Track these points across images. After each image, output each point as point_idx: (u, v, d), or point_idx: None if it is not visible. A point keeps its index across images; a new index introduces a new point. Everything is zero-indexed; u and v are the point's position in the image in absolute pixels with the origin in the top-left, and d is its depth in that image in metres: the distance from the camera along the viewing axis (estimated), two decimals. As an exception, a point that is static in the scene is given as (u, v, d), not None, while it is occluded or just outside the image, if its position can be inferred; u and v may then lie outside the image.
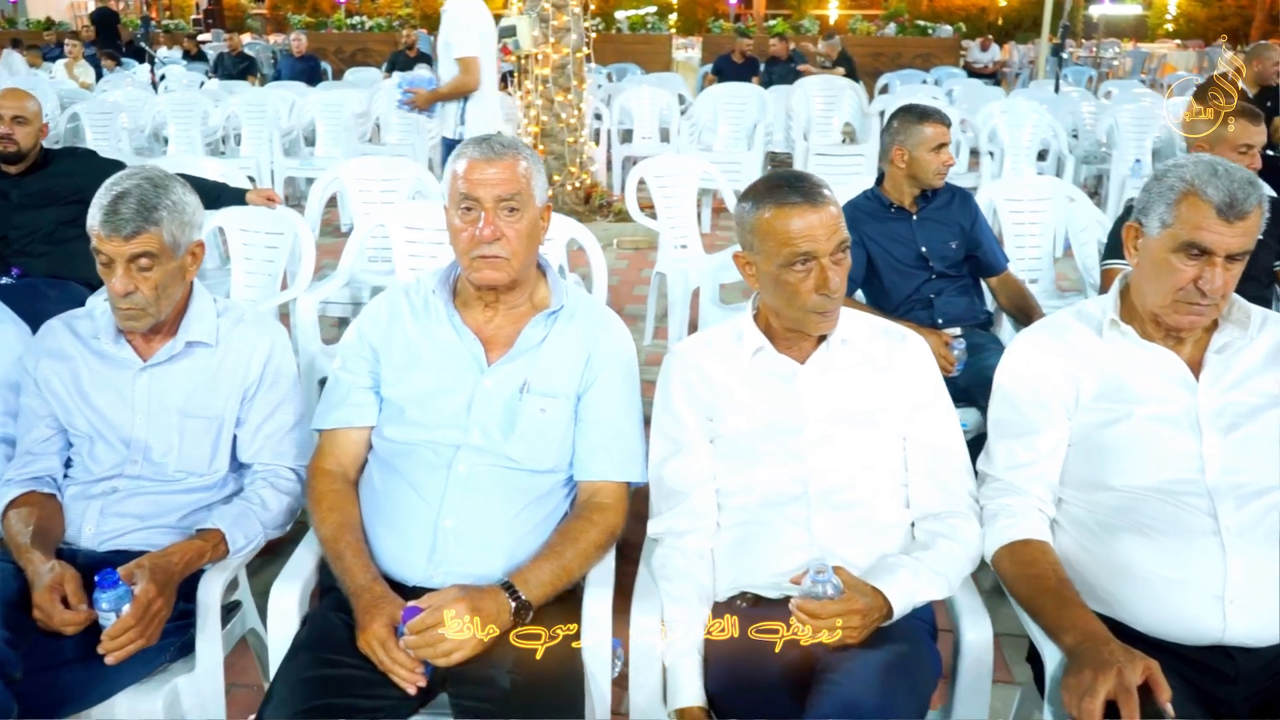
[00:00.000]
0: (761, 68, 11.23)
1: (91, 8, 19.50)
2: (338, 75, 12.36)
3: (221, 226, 3.76)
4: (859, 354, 1.85)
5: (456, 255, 1.88)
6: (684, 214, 4.85)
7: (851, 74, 10.09)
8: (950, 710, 1.75)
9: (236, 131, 8.10)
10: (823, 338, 1.84)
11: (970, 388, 2.80)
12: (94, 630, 1.71)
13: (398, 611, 1.65)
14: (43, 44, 14.86)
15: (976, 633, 1.70)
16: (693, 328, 4.44)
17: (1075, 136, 7.84)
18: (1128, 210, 3.02)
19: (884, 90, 11.05)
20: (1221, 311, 1.72)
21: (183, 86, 10.27)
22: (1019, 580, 1.70)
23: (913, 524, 1.82)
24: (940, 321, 3.09)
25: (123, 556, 1.86)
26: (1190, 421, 1.68)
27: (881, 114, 8.28)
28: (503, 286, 1.87)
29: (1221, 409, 1.68)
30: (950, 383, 1.94)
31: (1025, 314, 3.16)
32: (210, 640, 1.83)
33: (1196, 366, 1.73)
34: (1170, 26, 25.43)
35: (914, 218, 3.19)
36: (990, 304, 3.39)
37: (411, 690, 1.63)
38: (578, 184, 7.00)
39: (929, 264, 3.15)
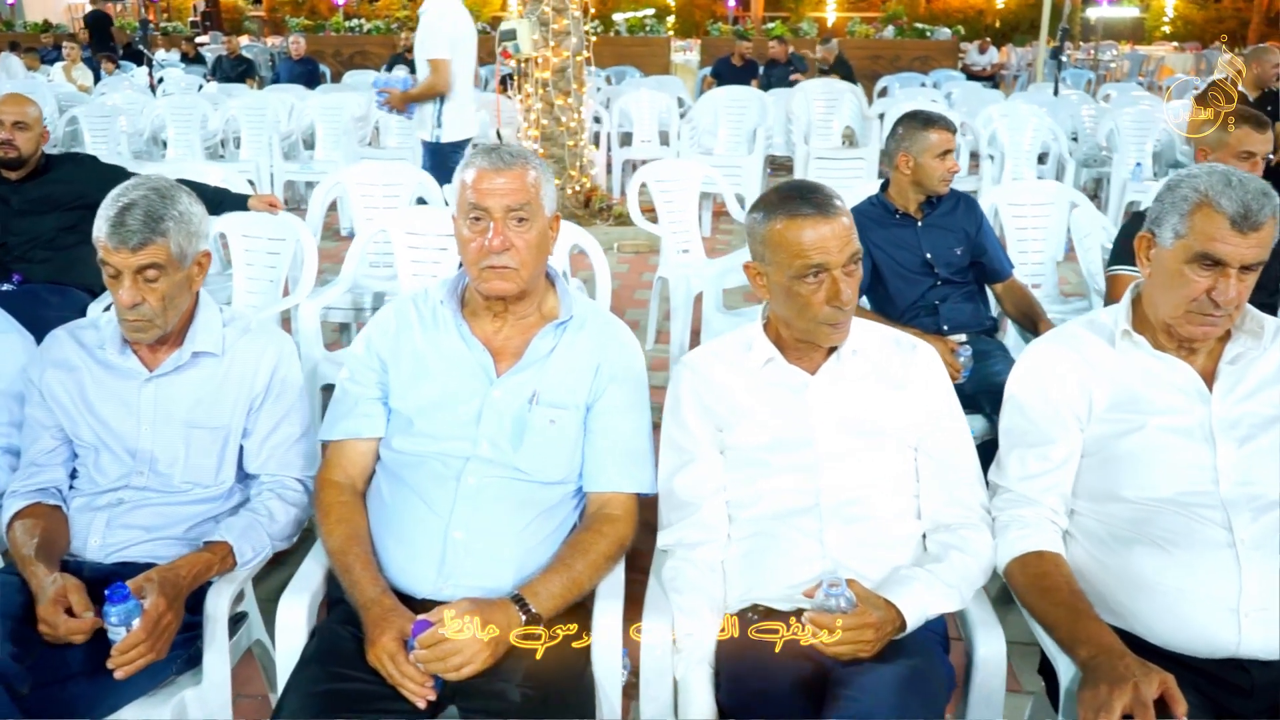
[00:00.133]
0: (760, 70, 11.24)
1: (88, 10, 19.46)
2: (336, 78, 12.34)
3: (223, 232, 3.75)
4: (870, 365, 1.84)
5: (465, 265, 1.87)
6: (686, 218, 4.85)
7: (848, 79, 10.09)
8: (963, 722, 1.75)
9: (236, 135, 8.08)
10: (833, 348, 1.83)
11: (976, 394, 2.80)
12: (101, 643, 1.70)
13: (407, 625, 1.64)
14: (40, 46, 14.84)
15: (990, 646, 1.69)
16: (695, 333, 4.43)
17: (1075, 139, 7.84)
18: (1134, 216, 3.03)
19: (883, 93, 11.07)
20: (1235, 322, 1.71)
21: (181, 89, 10.26)
22: (1032, 592, 1.69)
23: (924, 535, 1.81)
24: (946, 328, 3.08)
25: (129, 568, 1.86)
26: (1204, 433, 1.68)
27: (881, 117, 8.29)
28: (511, 297, 1.86)
29: (1236, 420, 1.68)
30: (956, 390, 1.94)
31: (1030, 320, 3.16)
32: (218, 653, 1.82)
33: (1209, 377, 1.72)
34: (1167, 29, 25.46)
35: (919, 224, 3.18)
36: (994, 310, 3.39)
37: (421, 704, 1.62)
38: (578, 187, 6.99)
39: (934, 270, 3.15)
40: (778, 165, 9.24)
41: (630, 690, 1.78)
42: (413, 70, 5.47)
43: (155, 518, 1.94)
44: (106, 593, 1.67)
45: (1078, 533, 1.77)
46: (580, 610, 1.78)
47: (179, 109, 7.85)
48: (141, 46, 12.84)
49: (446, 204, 4.28)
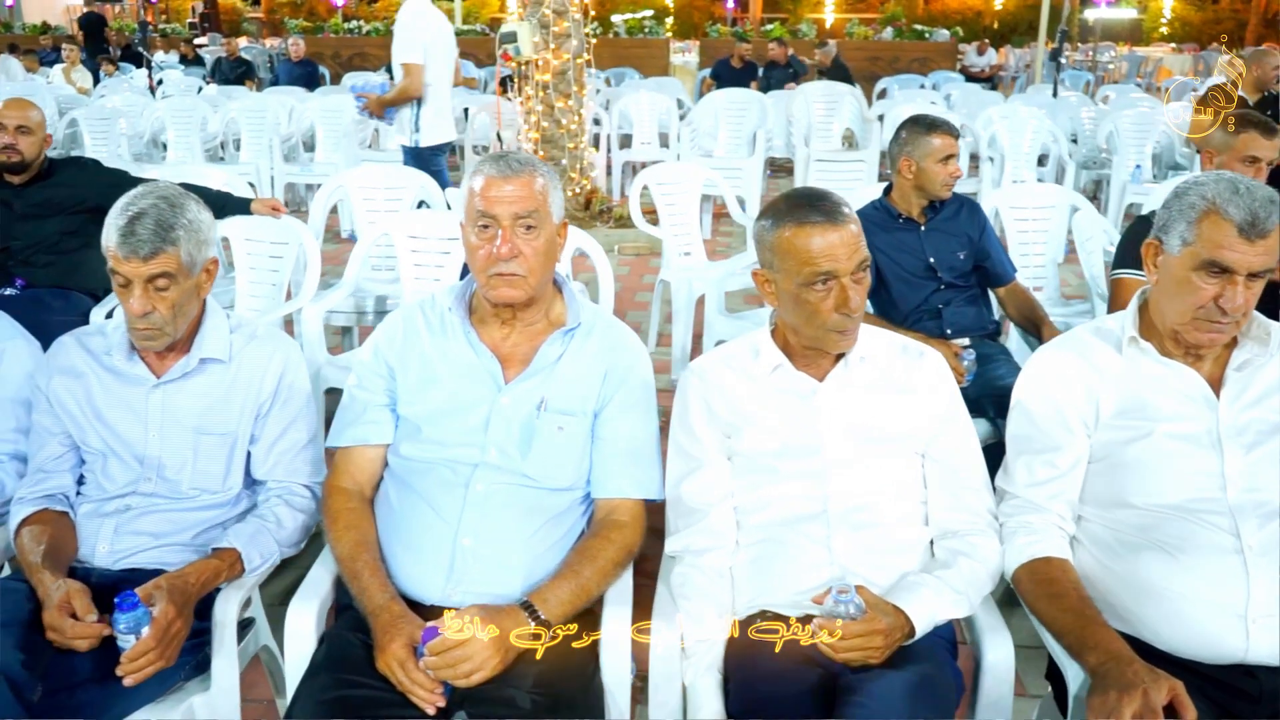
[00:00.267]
0: (760, 72, 11.26)
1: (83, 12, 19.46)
2: (336, 79, 12.34)
3: (226, 236, 3.75)
4: (877, 371, 1.84)
5: (473, 273, 1.87)
6: (687, 221, 4.85)
7: (845, 82, 10.11)
8: (971, 727, 1.75)
9: (236, 137, 8.08)
10: (841, 355, 1.83)
11: (980, 399, 2.80)
12: (110, 650, 1.70)
13: (416, 632, 1.65)
14: (39, 48, 14.82)
15: (998, 651, 1.69)
16: (696, 336, 4.44)
17: (1074, 141, 7.85)
18: (1138, 219, 3.03)
19: (882, 95, 11.08)
20: (1241, 329, 1.72)
21: (180, 91, 10.26)
22: (1040, 599, 1.70)
23: (931, 541, 1.81)
24: (949, 332, 3.09)
25: (137, 575, 1.87)
26: (1212, 439, 1.68)
27: (880, 119, 8.30)
28: (519, 304, 1.86)
29: (1243, 427, 1.68)
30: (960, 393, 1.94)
31: (1033, 324, 3.17)
32: (227, 659, 1.82)
33: (1216, 384, 1.73)
34: (1165, 30, 25.50)
35: (922, 228, 3.18)
36: (996, 313, 3.39)
37: (431, 710, 1.62)
38: (578, 190, 7.00)
39: (937, 274, 3.15)
40: (778, 167, 9.26)
41: (637, 694, 1.79)
42: (392, 75, 5.51)
43: (163, 524, 1.94)
44: (116, 600, 1.67)
45: (1085, 539, 1.77)
46: (586, 613, 1.78)
47: (179, 111, 7.85)
48: (141, 48, 12.83)
49: (449, 207, 4.28)
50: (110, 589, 1.76)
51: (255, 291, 3.75)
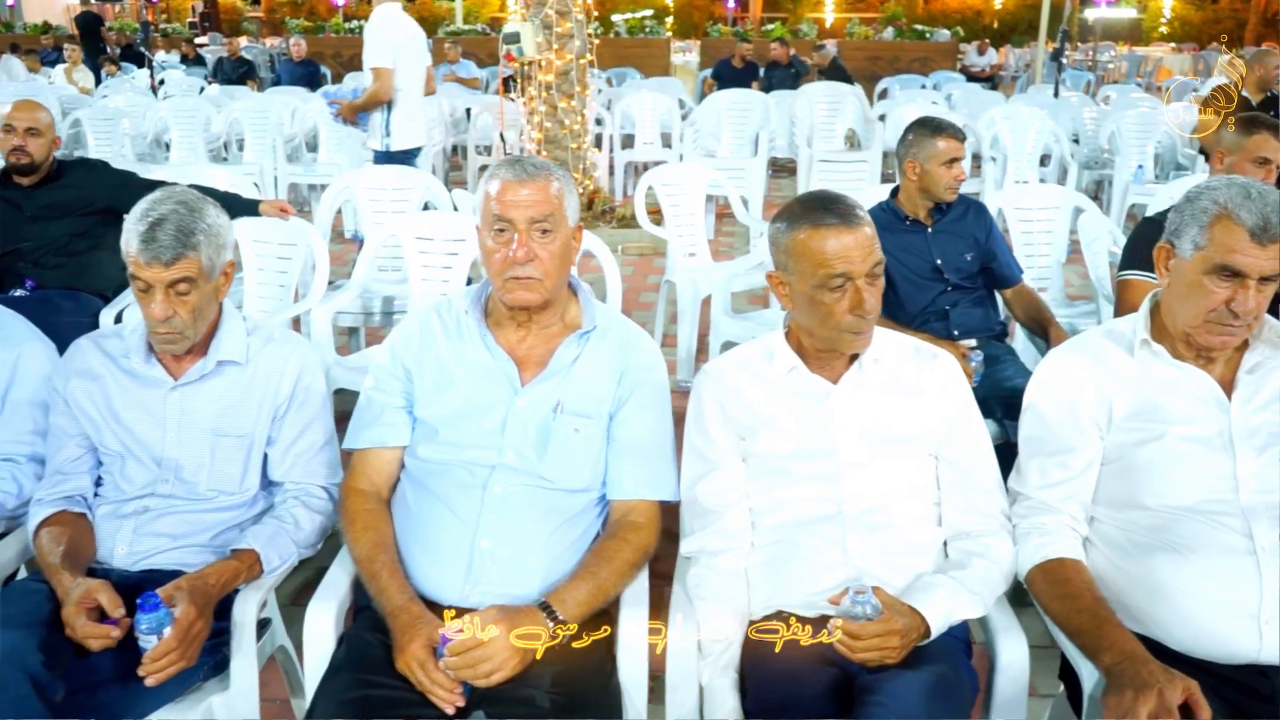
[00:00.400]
0: (761, 72, 11.27)
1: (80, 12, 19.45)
2: (337, 79, 12.32)
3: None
4: (890, 373, 1.86)
5: (489, 276, 1.88)
6: (693, 222, 4.86)
7: (845, 83, 10.13)
8: (986, 728, 1.76)
9: (239, 138, 8.09)
10: (855, 357, 1.85)
11: (987, 399, 2.81)
12: (131, 650, 1.72)
13: (435, 632, 1.66)
14: (40, 48, 14.81)
15: (1013, 652, 1.71)
16: (701, 336, 4.45)
17: (1076, 142, 7.87)
18: (1144, 221, 3.04)
19: (883, 95, 11.10)
20: (1253, 331, 1.73)
21: (182, 92, 10.26)
22: (1054, 599, 1.71)
23: (944, 543, 1.83)
24: (956, 333, 3.10)
25: (156, 576, 1.88)
26: (1224, 441, 1.70)
27: (882, 119, 8.32)
28: (535, 307, 1.87)
29: (1255, 429, 1.70)
30: (967, 395, 1.96)
31: (1040, 325, 3.18)
32: (246, 660, 1.84)
33: (1228, 386, 1.74)
34: (1165, 29, 25.52)
35: (929, 230, 3.20)
36: (1003, 315, 3.41)
37: (450, 710, 1.63)
38: (581, 190, 7.01)
39: (944, 276, 3.17)
40: (780, 168, 9.27)
41: (654, 696, 1.80)
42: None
43: (181, 525, 1.95)
44: (138, 601, 1.69)
45: (1098, 540, 1.79)
46: (602, 614, 1.79)
47: (182, 112, 7.86)
48: (143, 48, 12.83)
49: (455, 208, 4.29)
50: (130, 590, 1.77)
51: (263, 293, 3.76)
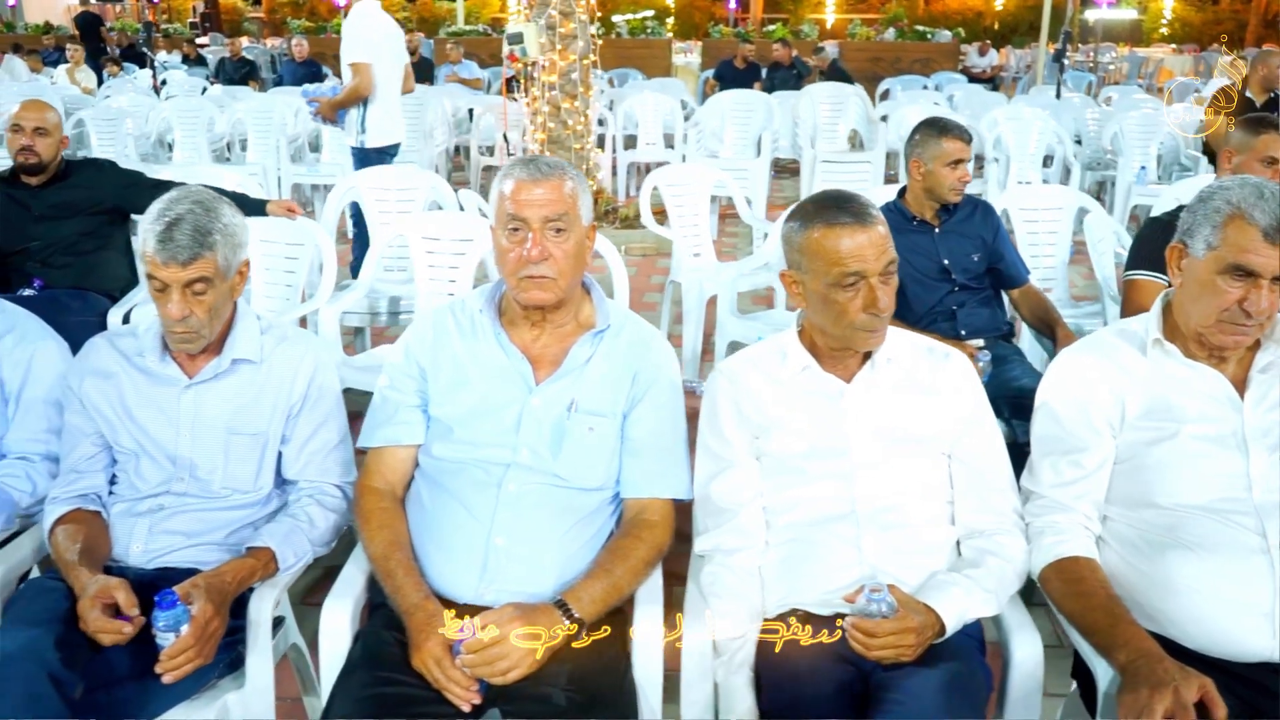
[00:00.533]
0: (763, 73, 11.28)
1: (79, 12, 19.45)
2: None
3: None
4: (903, 373, 1.86)
5: (503, 275, 1.89)
6: (698, 222, 4.87)
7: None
8: (1000, 725, 1.77)
9: (242, 138, 8.10)
10: (868, 356, 1.85)
11: (995, 400, 2.79)
12: (148, 647, 1.72)
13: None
14: (42, 48, 14.81)
15: (1026, 650, 1.72)
16: (706, 337, 4.46)
17: (1078, 142, 7.88)
18: (1150, 222, 3.05)
19: (884, 96, 11.11)
20: (1265, 331, 1.74)
21: (185, 92, 10.26)
22: (1068, 598, 1.72)
23: (958, 542, 1.84)
24: (963, 333, 3.11)
25: (171, 574, 1.89)
26: (1237, 440, 1.70)
27: (884, 119, 8.33)
28: (549, 306, 1.88)
29: (1268, 428, 1.70)
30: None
31: (1047, 325, 3.18)
32: (261, 657, 1.84)
33: (1240, 385, 1.75)
34: (1165, 31, 25.55)
35: (936, 231, 3.21)
36: (1009, 315, 3.41)
37: (466, 708, 1.64)
38: (585, 190, 7.01)
39: (951, 276, 3.17)
40: (782, 168, 9.28)
41: (669, 693, 1.80)
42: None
43: (196, 523, 1.96)
44: (155, 599, 1.69)
45: (1111, 538, 1.79)
46: (616, 612, 1.80)
47: (185, 112, 7.87)
48: (145, 49, 12.83)
49: (461, 209, 4.30)
50: (144, 588, 1.78)
51: (270, 293, 3.77)
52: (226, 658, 1.86)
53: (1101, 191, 7.77)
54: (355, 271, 4.41)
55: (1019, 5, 24.39)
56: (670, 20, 21.59)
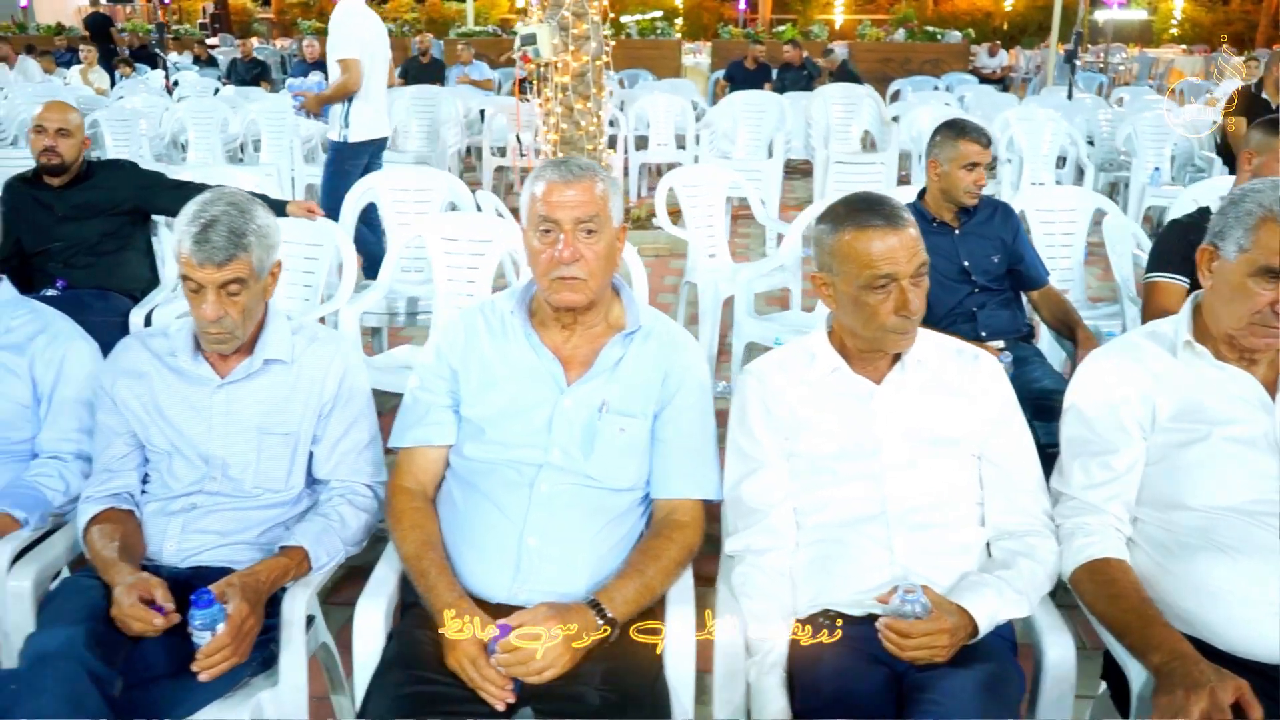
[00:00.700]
0: (774, 74, 11.29)
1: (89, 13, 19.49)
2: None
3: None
4: (933, 374, 1.87)
5: (535, 276, 1.90)
6: (713, 223, 4.88)
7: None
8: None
9: (255, 139, 8.12)
10: (898, 357, 1.86)
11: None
12: (183, 646, 1.74)
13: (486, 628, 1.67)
14: (54, 49, 14.87)
15: (1059, 651, 1.72)
16: (722, 338, 4.47)
17: (1091, 143, 7.87)
18: (1171, 224, 3.04)
19: (895, 96, 11.10)
20: (1297, 334, 1.74)
21: (197, 93, 10.30)
22: (1100, 599, 1.72)
23: (988, 543, 1.84)
24: (984, 334, 3.11)
25: (205, 572, 1.90)
26: (1269, 443, 1.71)
27: (895, 120, 8.32)
28: (580, 307, 1.89)
29: (1299, 431, 1.71)
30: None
31: (1068, 326, 3.18)
32: (295, 656, 1.85)
33: (1271, 387, 1.75)
34: (1175, 31, 25.49)
35: (956, 232, 3.21)
36: (1029, 316, 3.41)
37: (501, 707, 1.65)
38: (597, 191, 7.02)
39: (971, 278, 3.18)
40: (794, 169, 9.28)
41: (701, 694, 1.81)
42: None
43: (228, 522, 1.98)
44: (191, 598, 1.71)
45: (1141, 540, 1.80)
46: (647, 612, 1.81)
47: (199, 113, 7.90)
48: (158, 50, 12.87)
49: (479, 209, 4.31)
50: (179, 587, 1.80)
51: (290, 293, 3.78)
52: (259, 656, 1.87)
53: (1114, 193, 7.76)
54: (367, 273, 4.41)
55: (1028, 6, 24.37)
56: (679, 21, 21.58)
